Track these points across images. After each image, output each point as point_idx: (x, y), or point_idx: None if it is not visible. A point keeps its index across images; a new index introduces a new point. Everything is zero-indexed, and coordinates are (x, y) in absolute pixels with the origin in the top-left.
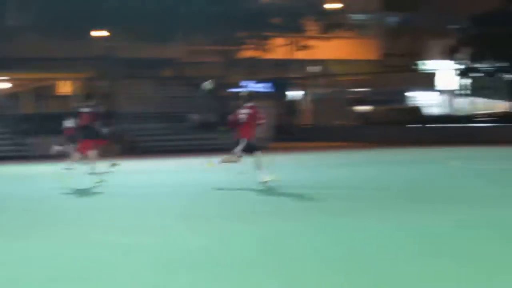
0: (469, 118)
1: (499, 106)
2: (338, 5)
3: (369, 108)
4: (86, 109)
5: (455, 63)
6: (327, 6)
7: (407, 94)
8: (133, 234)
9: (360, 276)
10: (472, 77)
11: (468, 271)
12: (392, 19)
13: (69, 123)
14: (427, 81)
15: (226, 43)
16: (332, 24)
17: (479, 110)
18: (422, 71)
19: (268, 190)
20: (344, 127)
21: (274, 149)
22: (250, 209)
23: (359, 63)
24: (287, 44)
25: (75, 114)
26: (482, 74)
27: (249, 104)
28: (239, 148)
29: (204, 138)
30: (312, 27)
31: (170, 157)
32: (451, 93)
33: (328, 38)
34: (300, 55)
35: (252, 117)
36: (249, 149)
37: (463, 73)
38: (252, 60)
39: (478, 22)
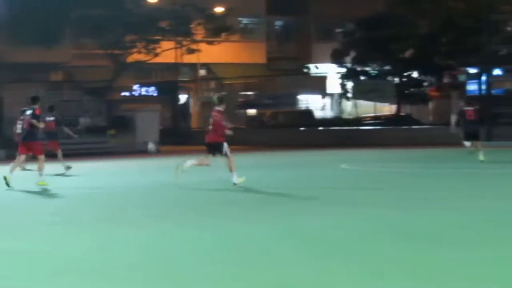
0: (357, 121)
1: (386, 109)
2: (226, 9)
3: (259, 111)
4: None
5: (342, 66)
6: (215, 10)
7: (297, 97)
8: (10, 239)
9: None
10: (358, 80)
11: (350, 269)
12: (279, 22)
13: None
14: (317, 85)
15: (115, 46)
16: (220, 28)
17: (367, 113)
18: (312, 75)
19: (158, 193)
20: (234, 130)
21: (164, 153)
22: (140, 213)
23: (248, 67)
24: (176, 48)
25: None
26: (368, 77)
27: (217, 109)
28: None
29: (94, 142)
30: (200, 30)
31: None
32: (340, 96)
33: (217, 42)
34: (189, 58)
35: (216, 121)
36: (212, 151)
37: (349, 76)
38: (141, 63)
39: (364, 26)
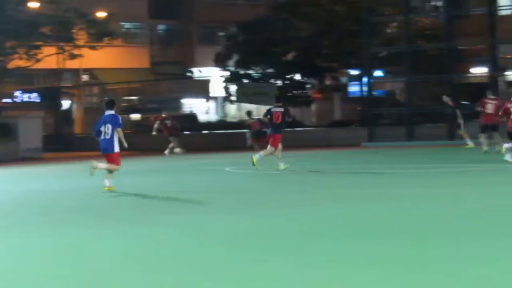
0: (240, 124)
1: None
2: (108, 14)
3: (143, 116)
4: None
5: (225, 70)
6: (97, 14)
7: (181, 101)
8: None
9: None
10: (241, 84)
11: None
12: (162, 27)
13: None
14: (200, 88)
15: None
16: (102, 33)
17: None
18: (195, 78)
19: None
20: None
21: (47, 160)
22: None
23: (131, 71)
24: (58, 53)
25: None
26: (251, 81)
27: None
28: None
29: None
30: (82, 36)
31: None
32: (224, 99)
33: (99, 47)
34: (72, 64)
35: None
36: None
37: (232, 80)
38: (23, 70)
39: (246, 29)
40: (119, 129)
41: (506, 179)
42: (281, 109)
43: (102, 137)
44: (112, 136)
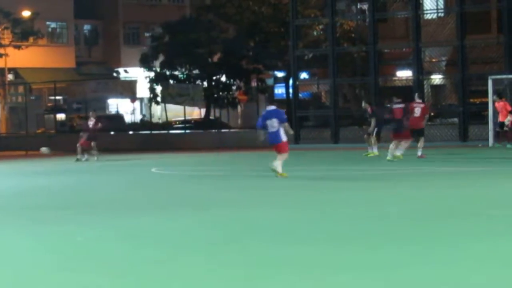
0: (165, 125)
1: (195, 112)
2: (32, 13)
3: (69, 116)
4: None
5: (150, 70)
6: (21, 13)
7: (107, 101)
8: None
9: None
10: (167, 84)
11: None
12: (87, 27)
13: None
14: (126, 89)
15: None
16: (27, 32)
17: (176, 117)
18: (121, 79)
19: None
20: (43, 136)
21: None
22: None
23: (57, 71)
24: None
25: None
26: (176, 81)
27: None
28: None
29: None
30: (7, 35)
31: None
32: (149, 100)
33: (24, 46)
34: None
35: None
36: None
37: (158, 80)
38: None
39: (171, 30)
40: (286, 124)
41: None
42: (402, 105)
43: (269, 130)
44: (278, 128)
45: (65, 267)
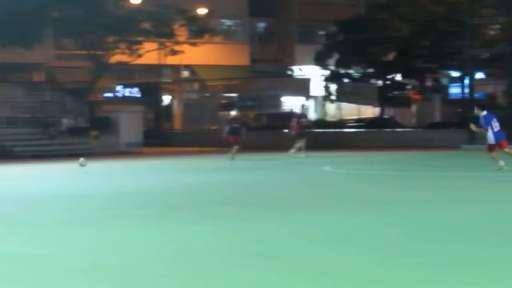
0: (339, 123)
1: (369, 111)
2: (207, 11)
3: (242, 113)
4: None
5: (325, 69)
6: (196, 11)
7: (280, 99)
8: None
9: None
10: (341, 83)
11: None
12: (261, 24)
13: None
14: (300, 87)
15: (96, 47)
16: (202, 30)
17: (350, 116)
18: (295, 77)
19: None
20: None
21: (146, 154)
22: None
23: (230, 68)
24: (158, 49)
25: None
26: (351, 80)
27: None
28: None
29: (75, 143)
30: (183, 32)
31: (42, 162)
32: (324, 98)
33: (198, 44)
34: (171, 60)
35: None
36: None
37: (332, 79)
38: (123, 65)
39: (345, 28)
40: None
41: None
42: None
43: (494, 129)
44: (499, 128)
45: (236, 262)
